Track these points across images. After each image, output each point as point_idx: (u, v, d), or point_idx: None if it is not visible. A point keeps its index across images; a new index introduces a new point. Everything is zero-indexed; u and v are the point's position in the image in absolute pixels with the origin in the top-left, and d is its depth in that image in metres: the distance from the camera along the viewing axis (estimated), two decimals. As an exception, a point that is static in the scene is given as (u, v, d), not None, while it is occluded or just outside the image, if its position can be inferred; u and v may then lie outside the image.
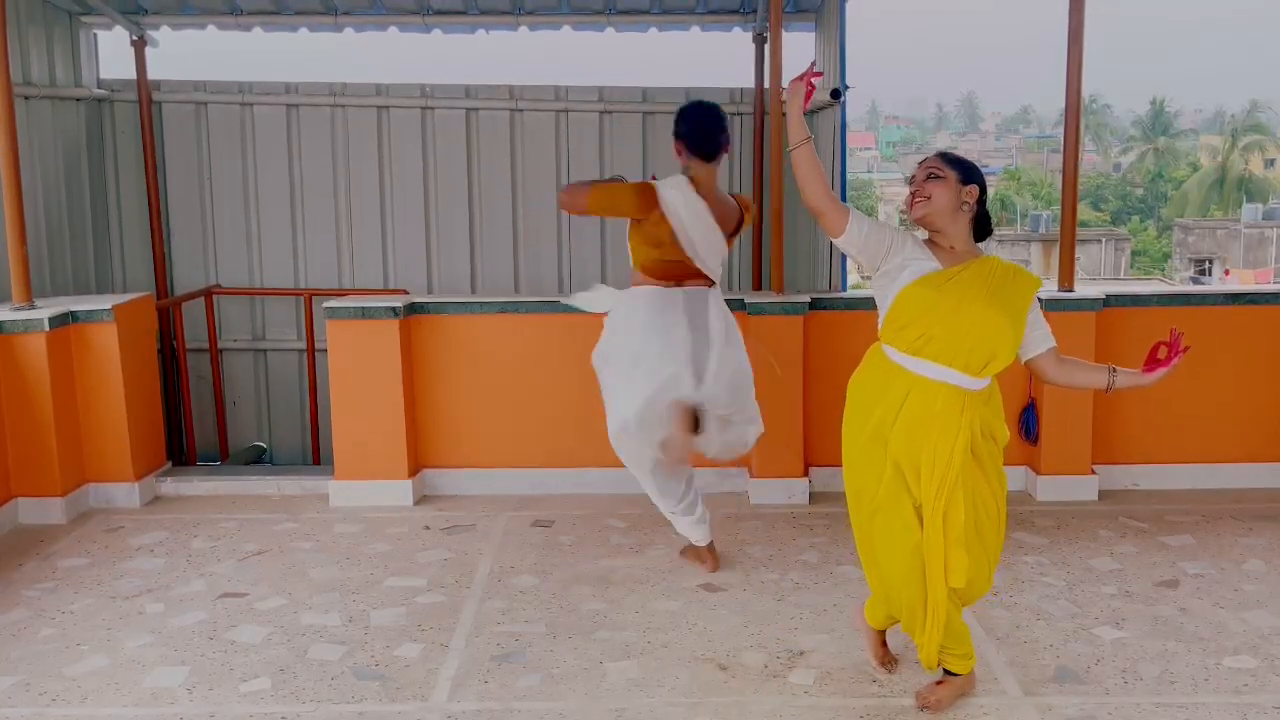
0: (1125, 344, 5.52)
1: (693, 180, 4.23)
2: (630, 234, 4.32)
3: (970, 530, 3.30)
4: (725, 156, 4.33)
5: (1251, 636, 3.97)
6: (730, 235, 4.35)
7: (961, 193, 3.30)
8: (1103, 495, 5.50)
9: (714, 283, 4.38)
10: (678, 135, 4.31)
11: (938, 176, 3.32)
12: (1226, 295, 5.92)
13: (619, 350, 4.33)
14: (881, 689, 3.63)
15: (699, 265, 4.27)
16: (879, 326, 3.41)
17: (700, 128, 4.27)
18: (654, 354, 4.19)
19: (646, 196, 4.19)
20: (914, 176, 3.39)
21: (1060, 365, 3.42)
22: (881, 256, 3.35)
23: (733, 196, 4.42)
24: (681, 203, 4.19)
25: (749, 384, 4.41)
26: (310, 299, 7.72)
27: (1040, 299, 3.43)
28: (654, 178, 4.30)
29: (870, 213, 54.29)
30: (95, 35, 8.03)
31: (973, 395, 3.29)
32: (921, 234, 3.41)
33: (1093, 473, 5.52)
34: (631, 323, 4.30)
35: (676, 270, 4.27)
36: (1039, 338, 3.39)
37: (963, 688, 3.54)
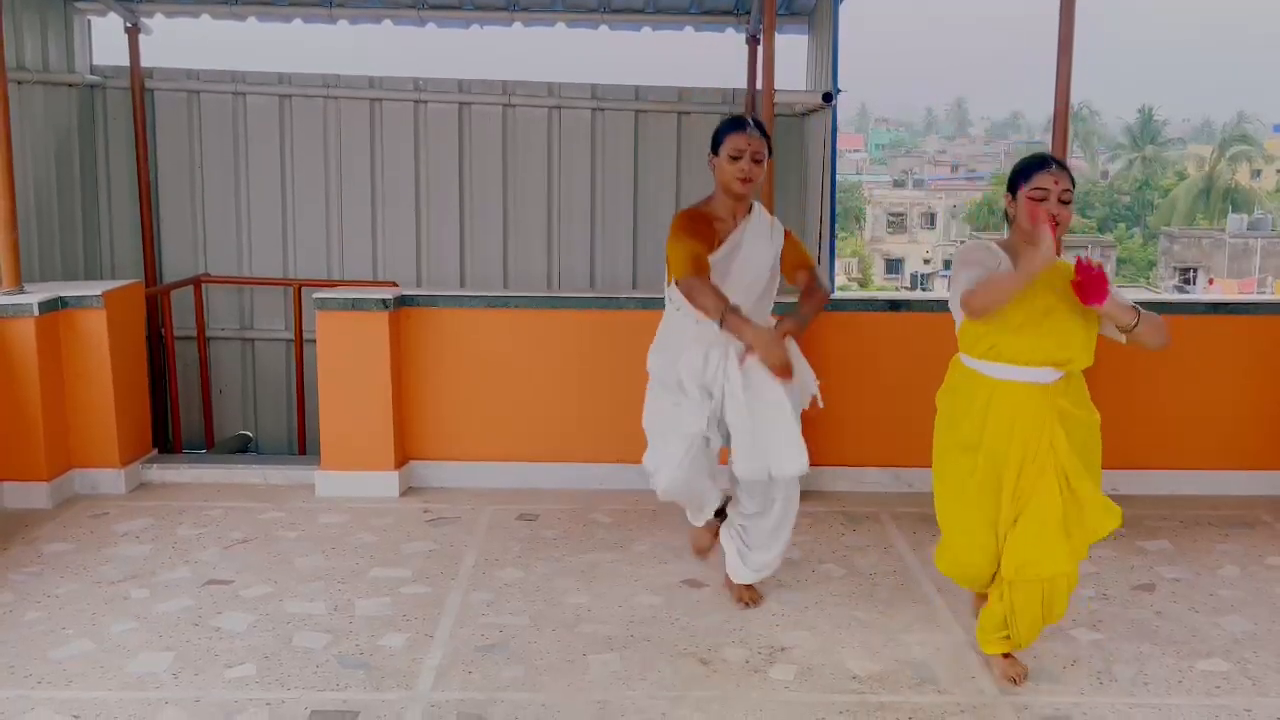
0: (1106, 350, 5.56)
1: None
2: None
3: (1066, 517, 3.50)
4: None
5: (1225, 641, 4.03)
6: None
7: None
8: (1082, 499, 5.55)
9: None
10: (770, 147, 4.02)
11: (1067, 201, 3.39)
12: (1208, 304, 6.00)
13: None
14: (861, 686, 3.68)
15: None
16: (956, 336, 3.59)
17: None
18: None
19: None
20: (1043, 193, 3.36)
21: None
22: None
23: None
24: None
25: None
26: (299, 289, 7.73)
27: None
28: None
29: (858, 215, 54.54)
30: (89, 21, 8.03)
31: (1050, 388, 3.45)
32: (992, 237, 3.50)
33: (1073, 477, 5.57)
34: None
35: None
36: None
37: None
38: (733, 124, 3.95)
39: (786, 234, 4.11)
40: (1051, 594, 3.55)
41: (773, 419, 3.95)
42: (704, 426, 3.97)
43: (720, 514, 4.34)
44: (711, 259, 3.88)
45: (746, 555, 4.23)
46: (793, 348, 3.97)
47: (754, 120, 3.97)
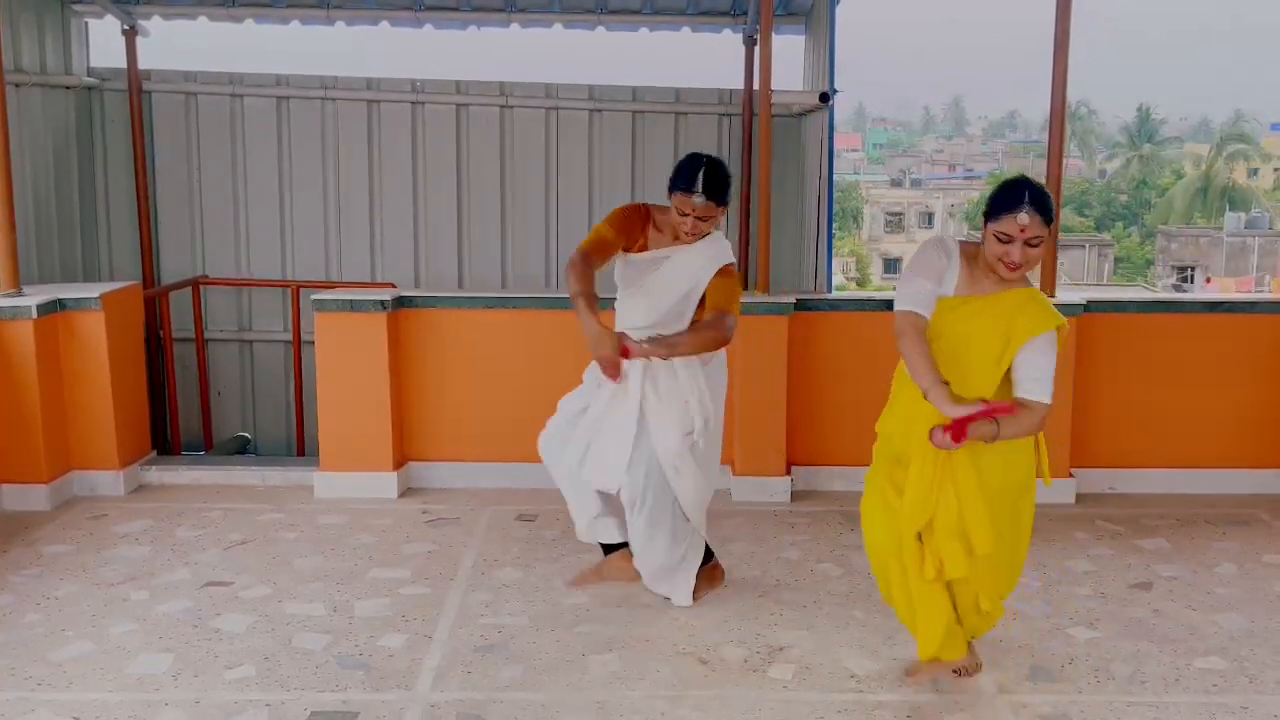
0: (1104, 350, 5.59)
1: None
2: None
3: (962, 524, 3.36)
4: None
5: (1222, 639, 4.04)
6: None
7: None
8: (1080, 498, 5.57)
9: None
10: (723, 203, 4.00)
11: (1035, 245, 3.23)
12: (1205, 303, 6.02)
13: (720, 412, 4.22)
14: (860, 685, 3.69)
15: None
16: None
17: None
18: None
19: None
20: (1007, 238, 3.21)
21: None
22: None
23: None
24: None
25: None
26: (297, 291, 7.73)
27: (1048, 351, 3.30)
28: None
29: (855, 215, 54.53)
30: (86, 24, 8.02)
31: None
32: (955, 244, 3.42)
33: (1070, 476, 5.59)
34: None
35: None
36: (1021, 379, 3.31)
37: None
38: (683, 181, 3.91)
39: (723, 272, 4.02)
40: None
41: (611, 432, 4.07)
42: (579, 407, 4.19)
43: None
44: (631, 259, 4.04)
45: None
46: (691, 378, 4.01)
47: (705, 179, 3.89)
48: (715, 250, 4.05)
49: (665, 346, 3.80)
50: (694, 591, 4.28)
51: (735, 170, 7.96)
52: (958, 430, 3.16)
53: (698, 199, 3.89)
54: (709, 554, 4.38)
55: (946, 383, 3.19)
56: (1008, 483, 3.42)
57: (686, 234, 3.97)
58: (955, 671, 3.66)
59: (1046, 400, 3.29)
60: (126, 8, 7.75)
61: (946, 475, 3.36)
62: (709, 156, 3.99)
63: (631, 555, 4.28)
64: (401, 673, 3.74)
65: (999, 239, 3.23)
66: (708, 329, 3.91)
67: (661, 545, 4.15)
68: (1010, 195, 3.24)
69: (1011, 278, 3.29)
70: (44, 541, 4.91)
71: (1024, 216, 3.19)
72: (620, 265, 4.17)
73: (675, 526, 4.15)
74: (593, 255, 3.93)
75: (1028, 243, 3.21)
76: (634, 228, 4.07)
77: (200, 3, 7.85)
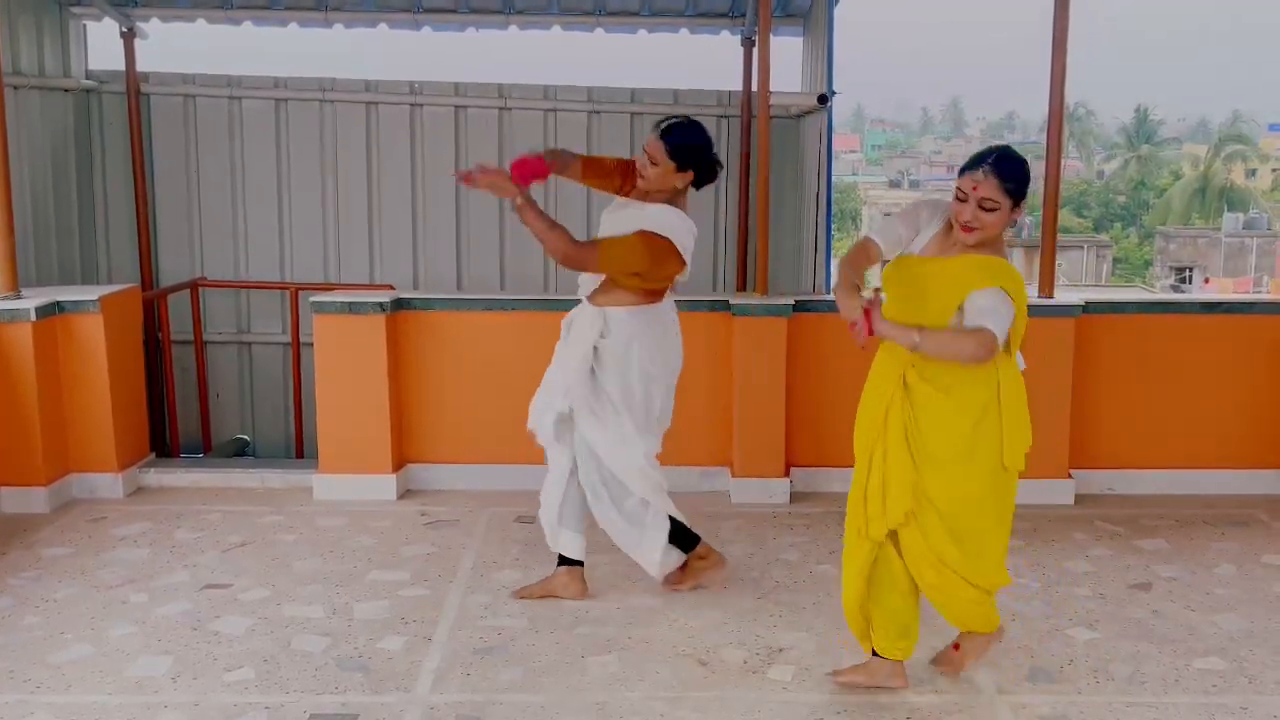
0: (1103, 350, 5.60)
1: (682, 208, 4.13)
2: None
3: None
4: None
5: (1221, 639, 4.04)
6: None
7: (1010, 216, 3.30)
8: (1079, 499, 5.57)
9: None
10: (690, 165, 4.06)
11: (988, 209, 3.26)
12: (1203, 304, 6.02)
13: (656, 389, 4.22)
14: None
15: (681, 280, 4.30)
16: None
17: (716, 164, 4.17)
18: (667, 393, 4.30)
19: (662, 249, 4.03)
20: (963, 194, 3.28)
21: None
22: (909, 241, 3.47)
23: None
24: (689, 240, 4.11)
25: None
26: (296, 293, 7.72)
27: (991, 296, 3.28)
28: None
29: (854, 216, 54.56)
30: (84, 26, 8.01)
31: (900, 353, 3.38)
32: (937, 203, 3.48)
33: (1069, 477, 5.59)
34: (650, 359, 4.21)
35: (665, 286, 4.26)
36: (967, 320, 3.30)
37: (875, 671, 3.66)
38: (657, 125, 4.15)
39: (638, 233, 4.04)
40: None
41: (548, 382, 4.34)
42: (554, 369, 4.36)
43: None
44: (614, 200, 4.30)
45: None
46: (590, 326, 4.18)
47: (667, 126, 4.06)
48: (651, 215, 4.07)
49: (526, 200, 3.97)
50: (683, 580, 4.37)
51: (734, 173, 8.00)
52: (867, 321, 3.24)
53: (651, 135, 4.04)
54: (693, 539, 4.36)
55: (857, 286, 3.31)
56: (946, 451, 3.38)
57: (640, 175, 4.09)
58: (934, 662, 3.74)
59: (989, 327, 3.23)
60: (125, 10, 7.75)
61: (878, 440, 3.44)
62: (688, 119, 4.14)
63: (580, 573, 4.38)
64: (401, 675, 3.74)
65: (958, 196, 3.31)
66: (568, 239, 4.03)
67: (606, 514, 4.25)
68: (978, 156, 3.34)
69: (965, 240, 3.31)
70: (43, 544, 4.91)
71: (979, 174, 3.25)
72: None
73: (614, 494, 4.23)
74: (588, 172, 4.35)
75: (980, 204, 3.25)
76: (629, 171, 4.25)
77: (198, 5, 7.85)
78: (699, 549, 4.39)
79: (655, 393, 4.23)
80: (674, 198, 4.12)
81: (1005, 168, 3.25)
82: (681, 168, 4.04)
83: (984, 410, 3.36)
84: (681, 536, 4.34)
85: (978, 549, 3.44)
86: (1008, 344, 3.33)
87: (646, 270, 4.05)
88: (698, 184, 4.14)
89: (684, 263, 4.12)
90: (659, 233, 4.02)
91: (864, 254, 3.47)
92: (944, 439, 3.38)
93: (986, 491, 3.42)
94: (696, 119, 4.16)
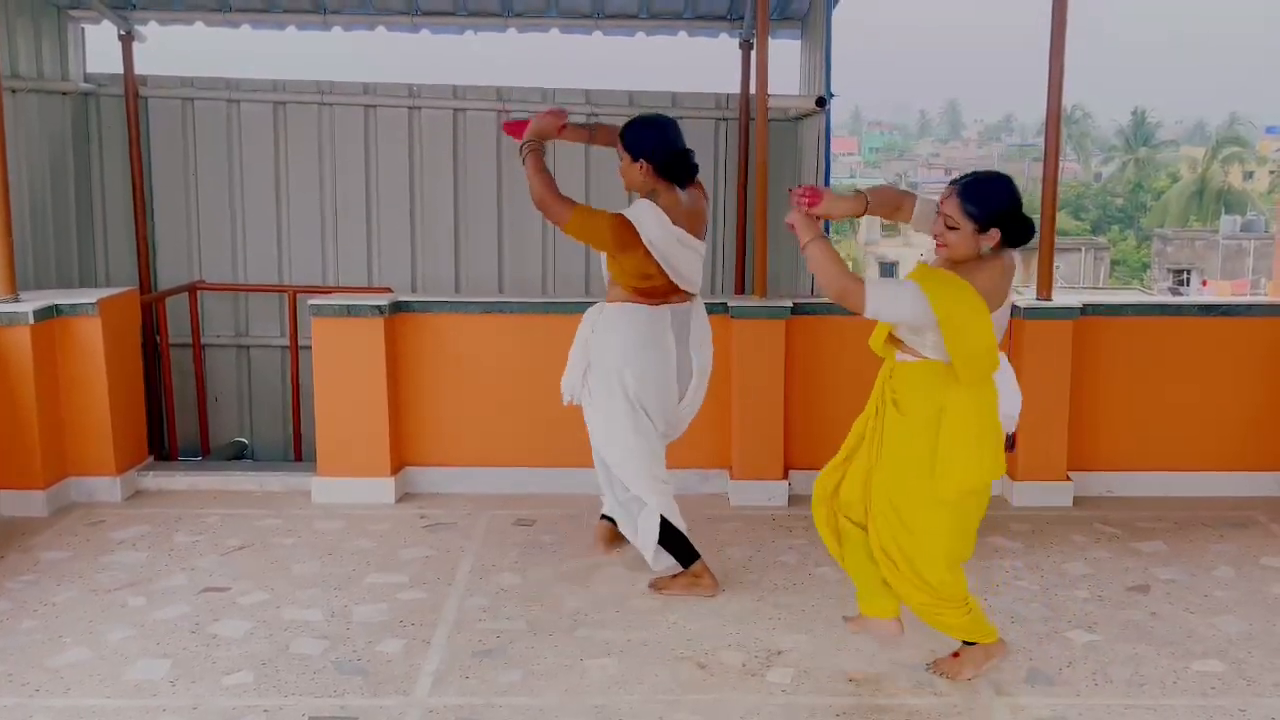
0: (1101, 353, 5.60)
1: (663, 206, 4.14)
2: (609, 259, 4.28)
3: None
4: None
5: (1220, 641, 4.04)
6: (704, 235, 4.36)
7: (979, 240, 3.34)
8: (1077, 501, 5.57)
9: (695, 295, 4.39)
10: (640, 155, 4.14)
11: (951, 228, 3.35)
12: (1200, 306, 6.03)
13: (631, 386, 4.25)
14: (858, 689, 3.69)
15: (683, 285, 4.29)
16: None
17: (674, 151, 4.15)
18: (657, 395, 4.30)
19: (627, 236, 4.10)
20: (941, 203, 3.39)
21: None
22: None
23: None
24: (660, 236, 4.12)
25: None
26: (294, 296, 7.72)
27: (903, 283, 3.41)
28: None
29: (852, 219, 54.51)
30: (83, 29, 8.02)
31: (886, 365, 3.60)
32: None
33: (1068, 479, 5.59)
34: (625, 357, 4.25)
35: (663, 289, 4.25)
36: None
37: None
38: None
39: (615, 214, 4.24)
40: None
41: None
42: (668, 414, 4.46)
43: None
44: None
45: None
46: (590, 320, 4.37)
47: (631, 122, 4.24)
48: (631, 207, 4.21)
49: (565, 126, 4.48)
50: (669, 586, 4.40)
51: (733, 175, 8.01)
52: (814, 197, 3.41)
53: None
54: (693, 556, 4.37)
55: (864, 197, 3.53)
56: (905, 453, 3.49)
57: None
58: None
59: (870, 288, 3.33)
60: (123, 13, 7.76)
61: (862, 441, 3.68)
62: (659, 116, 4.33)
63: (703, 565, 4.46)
64: (399, 678, 3.73)
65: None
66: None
67: (611, 497, 4.43)
68: (960, 175, 3.46)
69: (938, 255, 3.44)
70: (41, 547, 4.91)
71: (948, 191, 3.38)
72: None
73: (612, 480, 4.38)
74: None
75: (946, 222, 3.35)
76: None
77: (196, 8, 7.86)
78: (695, 566, 4.40)
79: (647, 394, 4.25)
80: (654, 195, 4.19)
81: (970, 190, 3.33)
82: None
83: (930, 429, 3.42)
84: (682, 549, 4.36)
85: (929, 551, 3.50)
86: (958, 370, 3.35)
87: (611, 251, 4.21)
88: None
89: (653, 259, 4.14)
90: (631, 220, 4.13)
91: (900, 197, 3.61)
92: (902, 454, 3.49)
93: (945, 507, 3.47)
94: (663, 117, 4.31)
